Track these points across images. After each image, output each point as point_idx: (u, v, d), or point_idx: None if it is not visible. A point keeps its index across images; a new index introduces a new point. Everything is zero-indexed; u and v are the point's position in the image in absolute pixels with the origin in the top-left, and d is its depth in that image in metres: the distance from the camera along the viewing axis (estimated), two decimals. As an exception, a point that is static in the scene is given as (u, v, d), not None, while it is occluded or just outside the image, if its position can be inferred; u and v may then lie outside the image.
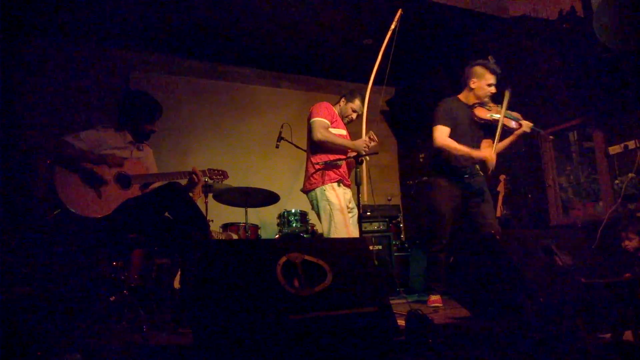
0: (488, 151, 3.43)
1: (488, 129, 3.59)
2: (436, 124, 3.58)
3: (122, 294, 2.82)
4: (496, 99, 3.65)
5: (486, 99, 3.62)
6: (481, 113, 3.56)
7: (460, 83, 3.76)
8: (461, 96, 3.71)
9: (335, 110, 3.69)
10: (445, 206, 3.58)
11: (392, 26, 3.38)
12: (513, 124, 3.55)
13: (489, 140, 3.57)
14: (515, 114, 3.62)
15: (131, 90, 3.19)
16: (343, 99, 3.77)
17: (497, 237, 3.37)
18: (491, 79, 3.59)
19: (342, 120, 3.73)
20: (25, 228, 4.16)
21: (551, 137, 3.75)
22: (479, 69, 3.62)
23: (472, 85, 3.64)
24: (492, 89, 3.61)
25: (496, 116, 3.50)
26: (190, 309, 2.56)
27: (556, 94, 4.76)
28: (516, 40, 5.14)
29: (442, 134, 3.53)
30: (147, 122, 3.04)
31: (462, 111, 3.62)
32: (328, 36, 5.59)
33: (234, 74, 6.22)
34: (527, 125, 3.54)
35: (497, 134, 3.44)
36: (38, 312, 2.72)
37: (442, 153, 3.60)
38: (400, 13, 3.39)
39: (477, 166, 3.65)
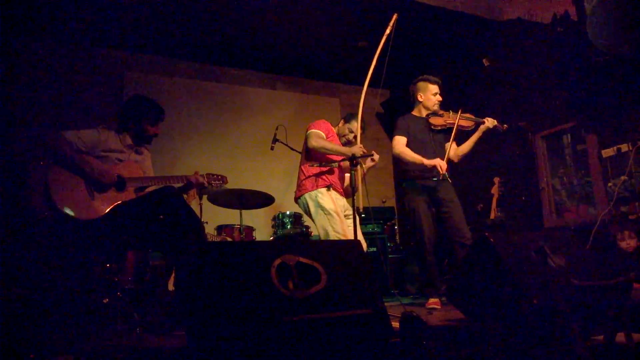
0: (438, 160, 3.67)
1: (447, 133, 3.86)
2: (394, 135, 3.88)
3: (116, 296, 2.81)
4: (447, 107, 3.92)
5: (436, 108, 3.89)
6: (436, 120, 3.85)
7: (410, 102, 4.06)
8: (414, 112, 4.00)
9: (334, 129, 3.81)
10: (419, 209, 3.73)
11: (387, 31, 3.37)
12: (468, 124, 3.84)
13: (455, 143, 3.86)
14: (468, 115, 3.88)
15: (133, 95, 3.19)
16: (342, 121, 3.91)
17: (467, 244, 3.52)
18: (435, 88, 3.91)
19: (340, 139, 3.81)
20: (19, 229, 4.13)
21: (505, 125, 3.85)
22: (421, 84, 3.95)
23: (420, 99, 3.94)
24: (439, 97, 3.91)
25: (450, 120, 3.80)
26: (184, 311, 2.56)
27: (550, 97, 4.78)
28: (510, 44, 5.16)
29: (399, 143, 3.83)
30: (150, 125, 3.03)
31: (417, 123, 3.90)
32: (323, 38, 5.60)
33: (229, 75, 6.22)
34: (490, 122, 3.79)
35: (453, 134, 3.74)
36: (30, 313, 2.71)
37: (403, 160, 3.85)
38: (396, 18, 3.38)
39: (446, 173, 3.80)
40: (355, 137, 3.76)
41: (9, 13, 4.58)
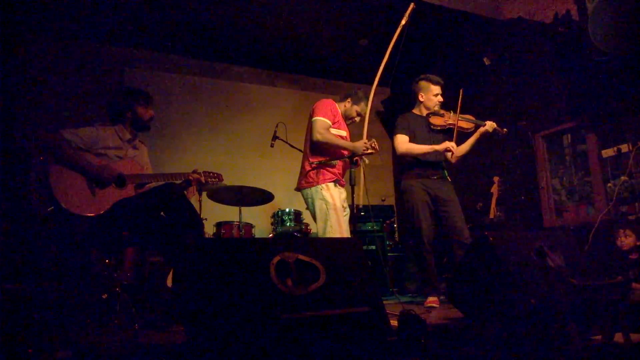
0: (447, 142, 3.68)
1: (447, 133, 3.85)
2: (396, 134, 3.86)
3: (115, 292, 2.81)
4: (448, 106, 3.90)
5: (437, 108, 3.88)
6: (436, 120, 3.84)
7: (411, 100, 4.04)
8: (415, 110, 3.99)
9: (339, 109, 3.69)
10: (418, 208, 3.73)
11: (403, 22, 3.30)
12: (468, 125, 3.85)
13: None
14: (468, 116, 3.88)
15: (115, 90, 3.22)
16: (349, 100, 3.75)
17: (467, 243, 3.52)
18: (436, 89, 3.89)
19: (345, 120, 3.73)
20: (19, 225, 4.13)
21: (505, 130, 3.85)
22: (423, 83, 3.93)
23: (421, 99, 3.93)
24: (440, 98, 3.89)
25: (450, 121, 3.80)
26: (183, 307, 2.56)
27: (550, 96, 4.78)
28: (511, 43, 5.15)
29: (402, 141, 3.82)
30: (144, 107, 3.03)
31: (418, 123, 3.89)
32: (324, 36, 5.59)
33: (229, 72, 6.20)
34: (490, 126, 3.80)
35: (455, 133, 3.72)
36: (30, 309, 2.71)
37: (407, 158, 3.84)
38: (412, 7, 3.28)
39: (446, 172, 3.85)
40: (362, 118, 3.74)
41: (8, 10, 4.57)
